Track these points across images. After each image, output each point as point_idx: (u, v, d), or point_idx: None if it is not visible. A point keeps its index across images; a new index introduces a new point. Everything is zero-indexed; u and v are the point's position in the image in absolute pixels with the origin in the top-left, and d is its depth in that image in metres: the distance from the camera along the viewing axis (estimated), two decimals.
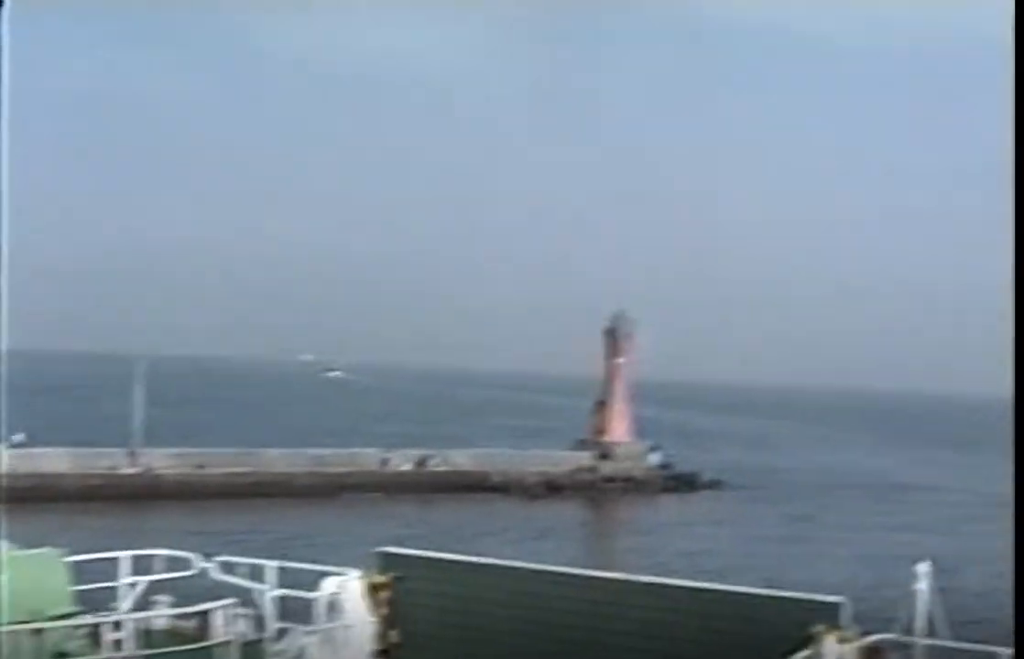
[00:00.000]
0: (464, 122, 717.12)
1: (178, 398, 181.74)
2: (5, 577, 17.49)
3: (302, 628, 19.01)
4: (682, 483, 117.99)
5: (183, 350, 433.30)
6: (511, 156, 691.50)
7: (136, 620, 18.56)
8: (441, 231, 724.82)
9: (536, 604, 19.14)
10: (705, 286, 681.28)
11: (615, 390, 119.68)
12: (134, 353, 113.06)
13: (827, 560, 79.06)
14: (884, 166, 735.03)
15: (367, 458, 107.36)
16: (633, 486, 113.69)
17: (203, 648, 18.33)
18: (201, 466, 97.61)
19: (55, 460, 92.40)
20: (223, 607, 18.67)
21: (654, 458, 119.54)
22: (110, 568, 20.01)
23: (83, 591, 19.11)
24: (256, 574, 19.68)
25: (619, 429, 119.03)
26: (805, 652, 16.66)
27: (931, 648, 17.00)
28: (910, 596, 17.08)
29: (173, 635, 18.87)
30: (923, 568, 17.19)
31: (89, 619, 18.33)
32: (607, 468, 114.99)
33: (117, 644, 17.97)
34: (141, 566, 20.30)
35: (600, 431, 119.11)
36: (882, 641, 17.14)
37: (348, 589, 19.61)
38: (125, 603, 19.57)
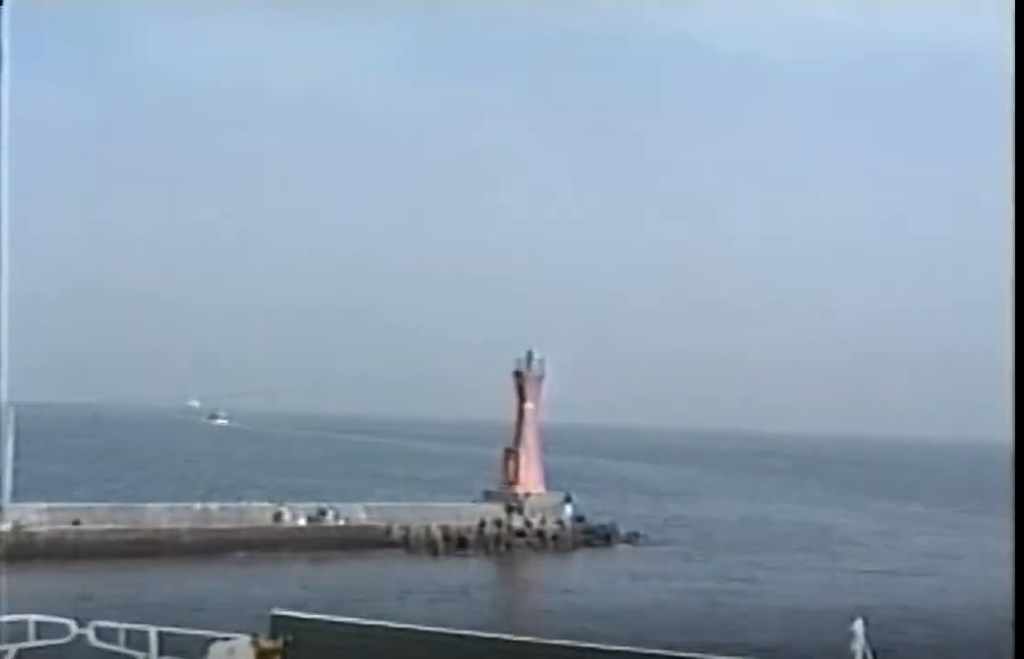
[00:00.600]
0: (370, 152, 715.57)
1: (47, 448, 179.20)
2: None
3: None
4: (598, 537, 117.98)
5: (53, 396, 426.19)
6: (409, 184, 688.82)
7: None
8: (326, 268, 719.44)
9: None
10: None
11: (525, 436, 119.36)
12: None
13: (754, 616, 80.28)
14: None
15: (258, 513, 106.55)
16: (545, 541, 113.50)
17: None
18: (77, 522, 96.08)
19: None
20: None
21: (568, 510, 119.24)
22: None
23: None
24: (138, 641, 19.57)
25: (530, 479, 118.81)
26: None
27: None
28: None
29: None
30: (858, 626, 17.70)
31: None
32: (517, 521, 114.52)
33: None
34: (14, 633, 20.13)
35: (509, 481, 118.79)
36: None
37: (238, 655, 19.59)
38: None
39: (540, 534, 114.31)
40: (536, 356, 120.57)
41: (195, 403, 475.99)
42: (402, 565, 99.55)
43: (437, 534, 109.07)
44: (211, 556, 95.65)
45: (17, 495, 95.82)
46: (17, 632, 20.26)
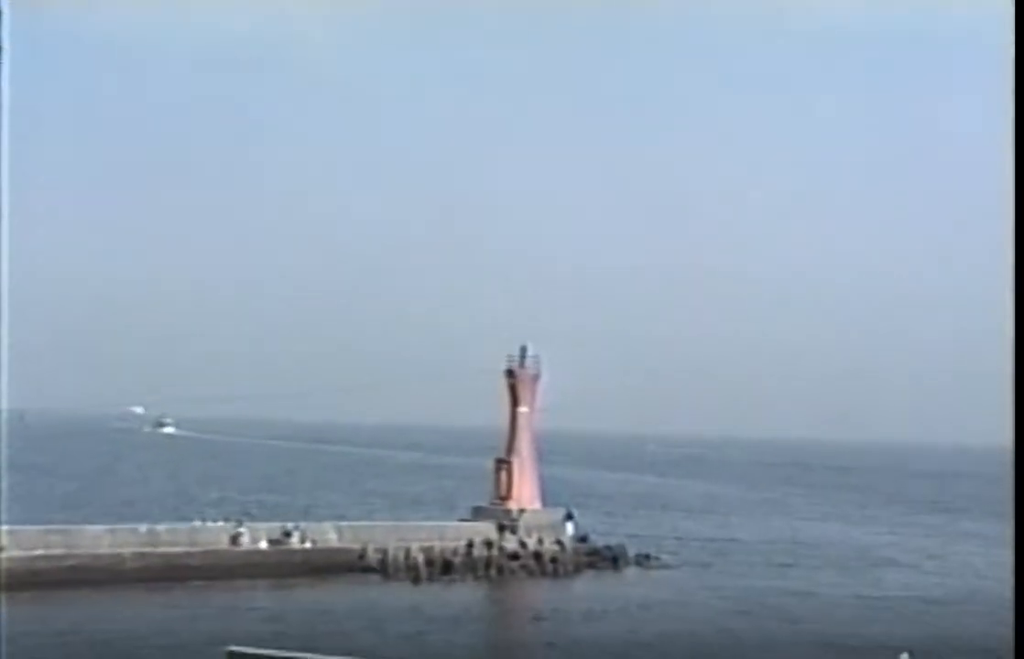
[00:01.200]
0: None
1: None
2: None
3: None
4: (604, 559, 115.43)
5: None
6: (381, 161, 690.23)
7: None
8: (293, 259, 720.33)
9: None
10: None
11: (519, 444, 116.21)
12: None
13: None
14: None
15: (213, 534, 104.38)
16: (543, 564, 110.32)
17: None
18: (1, 548, 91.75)
19: None
20: None
21: (569, 529, 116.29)
22: None
23: None
24: None
25: (525, 493, 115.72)
26: None
27: None
28: None
29: None
30: None
31: None
32: (510, 542, 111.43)
33: None
34: None
35: (501, 496, 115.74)
36: None
37: None
38: None
39: (537, 556, 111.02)
40: (530, 352, 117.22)
41: (138, 410, 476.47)
42: (377, 593, 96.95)
43: (418, 557, 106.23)
44: (159, 584, 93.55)
45: None
46: None
